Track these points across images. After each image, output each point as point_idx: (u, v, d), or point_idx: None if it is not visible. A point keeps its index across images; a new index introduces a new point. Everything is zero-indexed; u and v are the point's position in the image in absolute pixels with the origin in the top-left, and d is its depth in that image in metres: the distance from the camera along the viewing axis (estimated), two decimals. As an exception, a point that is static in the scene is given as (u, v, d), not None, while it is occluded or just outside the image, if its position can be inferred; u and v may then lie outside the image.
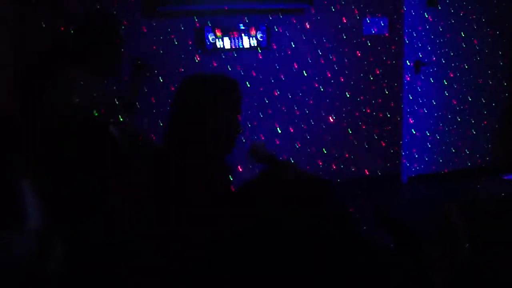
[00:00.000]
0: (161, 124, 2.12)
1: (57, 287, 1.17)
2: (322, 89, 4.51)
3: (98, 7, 3.64)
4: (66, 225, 1.38)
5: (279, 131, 4.41)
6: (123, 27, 2.83)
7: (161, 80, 4.01)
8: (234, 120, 2.03)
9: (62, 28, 3.08)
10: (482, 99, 5.00)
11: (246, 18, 4.21)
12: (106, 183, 1.58)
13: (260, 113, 4.33)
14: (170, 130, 2.03)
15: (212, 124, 1.97)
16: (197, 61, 4.10)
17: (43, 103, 2.60)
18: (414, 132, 4.86)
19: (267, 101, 4.35)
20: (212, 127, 1.97)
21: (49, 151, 1.60)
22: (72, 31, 2.72)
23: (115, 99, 2.71)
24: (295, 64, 4.41)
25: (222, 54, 4.17)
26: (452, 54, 4.80)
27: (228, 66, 4.17)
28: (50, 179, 1.40)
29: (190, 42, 4.09)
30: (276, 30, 4.31)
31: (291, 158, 2.46)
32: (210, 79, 2.07)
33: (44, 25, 3.53)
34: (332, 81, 4.56)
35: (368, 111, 4.72)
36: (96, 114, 2.50)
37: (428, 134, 4.92)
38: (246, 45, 4.22)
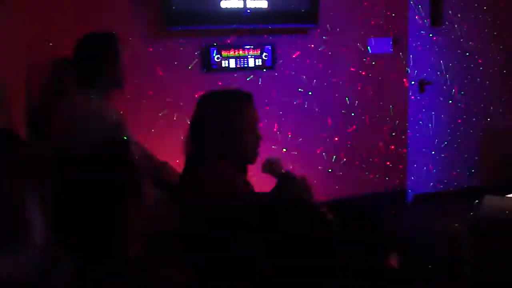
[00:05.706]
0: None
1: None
2: (327, 108, 4.52)
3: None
4: (72, 240, 1.38)
5: (284, 150, 4.41)
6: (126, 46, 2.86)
7: (167, 100, 4.03)
8: (256, 128, 2.15)
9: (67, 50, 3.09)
10: (488, 118, 4.99)
11: (251, 38, 4.24)
12: (121, 202, 1.59)
13: (265, 133, 4.32)
14: (194, 143, 2.07)
15: (239, 133, 2.07)
16: (202, 81, 4.12)
17: (54, 125, 2.64)
18: (419, 151, 4.85)
19: (271, 121, 4.36)
20: (238, 136, 2.07)
21: (61, 169, 1.61)
22: (73, 53, 2.75)
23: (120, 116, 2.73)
24: (299, 83, 4.43)
25: (227, 74, 4.19)
26: (456, 73, 4.81)
27: (233, 86, 4.18)
28: (58, 195, 1.41)
29: (196, 62, 4.11)
30: (281, 50, 4.33)
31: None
32: (230, 92, 2.23)
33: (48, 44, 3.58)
34: (337, 100, 4.57)
35: (373, 129, 4.72)
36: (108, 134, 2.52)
37: (434, 152, 4.91)
38: (251, 65, 4.24)
